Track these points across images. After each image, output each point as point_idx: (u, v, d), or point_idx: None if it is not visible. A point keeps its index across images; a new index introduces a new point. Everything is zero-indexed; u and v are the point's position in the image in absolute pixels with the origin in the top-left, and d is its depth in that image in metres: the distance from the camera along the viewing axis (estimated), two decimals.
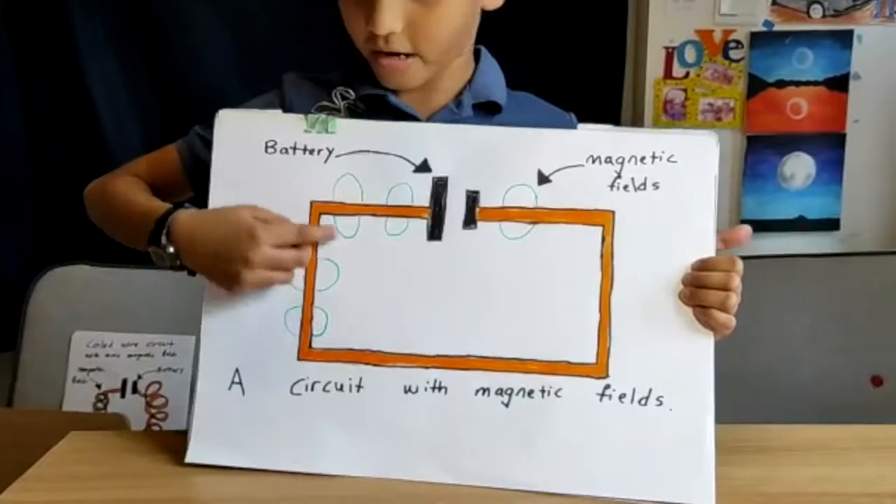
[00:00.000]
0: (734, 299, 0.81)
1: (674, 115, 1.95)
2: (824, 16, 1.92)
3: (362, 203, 0.85)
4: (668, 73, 1.94)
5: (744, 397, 1.71)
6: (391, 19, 0.86)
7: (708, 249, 0.83)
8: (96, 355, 1.75)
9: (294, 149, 0.86)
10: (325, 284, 0.85)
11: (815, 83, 1.94)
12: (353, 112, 0.93)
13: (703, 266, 0.83)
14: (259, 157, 0.86)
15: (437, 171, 0.85)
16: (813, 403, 1.74)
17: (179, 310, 1.66)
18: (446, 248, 0.84)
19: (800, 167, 1.98)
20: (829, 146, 1.97)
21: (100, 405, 1.73)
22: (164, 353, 1.76)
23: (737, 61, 1.94)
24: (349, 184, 0.86)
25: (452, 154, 0.86)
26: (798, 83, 1.94)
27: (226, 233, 0.82)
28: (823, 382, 1.76)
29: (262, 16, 1.85)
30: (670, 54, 1.94)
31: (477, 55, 0.99)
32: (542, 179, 0.84)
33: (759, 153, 1.97)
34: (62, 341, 1.76)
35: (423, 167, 0.85)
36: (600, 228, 0.83)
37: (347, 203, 0.85)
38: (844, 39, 1.93)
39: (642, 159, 0.84)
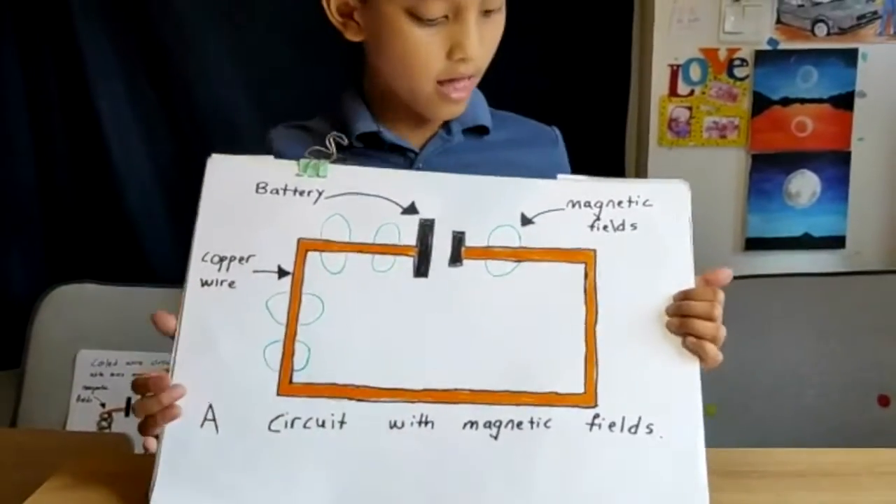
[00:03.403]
0: (723, 332, 0.83)
1: (679, 133, 1.96)
2: (829, 34, 1.92)
3: (350, 241, 0.86)
4: (672, 91, 1.95)
5: (748, 418, 1.71)
6: (478, 46, 0.87)
7: (688, 284, 0.85)
8: (101, 374, 1.75)
9: (285, 190, 0.88)
10: (308, 319, 0.84)
11: (820, 101, 1.94)
12: (344, 159, 0.93)
13: (685, 296, 0.84)
14: (249, 196, 0.87)
15: (424, 213, 0.87)
16: (819, 424, 1.73)
17: None
18: (432, 284, 0.85)
19: (805, 185, 1.97)
20: (834, 164, 1.97)
21: (104, 424, 1.73)
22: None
23: (742, 79, 1.94)
24: (337, 223, 0.87)
25: (439, 199, 0.87)
26: (803, 101, 1.94)
27: None
28: (829, 402, 1.76)
29: (269, 37, 1.85)
30: (675, 72, 1.94)
31: None
32: (525, 221, 0.87)
33: (763, 171, 1.97)
34: (67, 360, 1.76)
35: (411, 209, 0.87)
36: (583, 265, 0.85)
37: (335, 241, 0.86)
38: (849, 58, 1.93)
39: (619, 203, 0.87)
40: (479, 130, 1.00)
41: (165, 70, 1.84)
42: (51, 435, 1.55)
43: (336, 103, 1.00)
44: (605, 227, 0.86)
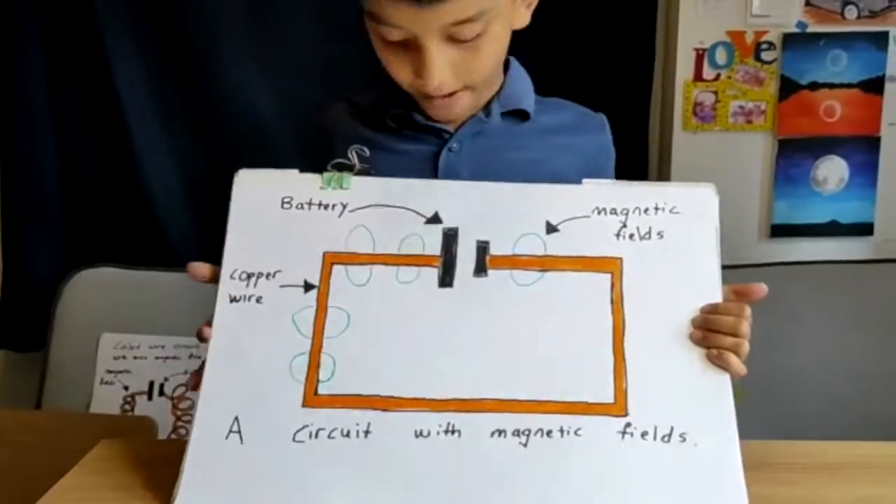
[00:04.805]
0: (746, 347, 0.82)
1: (703, 118, 1.93)
2: (859, 17, 1.89)
3: (374, 253, 0.86)
4: (698, 75, 1.92)
5: (778, 409, 1.70)
6: (441, 73, 0.86)
7: (714, 295, 0.84)
8: (124, 357, 1.76)
9: (309, 204, 0.88)
10: (334, 332, 0.84)
11: (850, 85, 1.91)
12: (367, 171, 0.93)
13: (712, 310, 0.83)
14: (275, 211, 0.88)
15: (448, 222, 0.87)
16: (849, 414, 1.71)
17: (206, 312, 1.67)
18: (457, 294, 0.84)
19: (833, 171, 1.95)
20: (863, 149, 1.94)
21: (127, 407, 1.74)
22: (190, 356, 1.76)
23: (769, 63, 1.91)
24: (361, 235, 0.87)
25: (462, 208, 0.87)
26: (832, 85, 1.91)
27: None
28: (858, 392, 1.73)
29: (291, 20, 1.84)
30: (700, 56, 1.91)
31: (506, 65, 0.99)
32: (551, 229, 0.86)
33: (790, 157, 1.94)
34: (90, 343, 1.77)
35: (434, 219, 0.87)
36: (609, 275, 0.85)
37: (359, 253, 0.86)
38: (880, 41, 1.90)
39: (646, 210, 0.87)
40: (520, 115, 0.99)
41: (186, 54, 1.83)
42: (75, 417, 1.56)
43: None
44: (631, 236, 0.86)
